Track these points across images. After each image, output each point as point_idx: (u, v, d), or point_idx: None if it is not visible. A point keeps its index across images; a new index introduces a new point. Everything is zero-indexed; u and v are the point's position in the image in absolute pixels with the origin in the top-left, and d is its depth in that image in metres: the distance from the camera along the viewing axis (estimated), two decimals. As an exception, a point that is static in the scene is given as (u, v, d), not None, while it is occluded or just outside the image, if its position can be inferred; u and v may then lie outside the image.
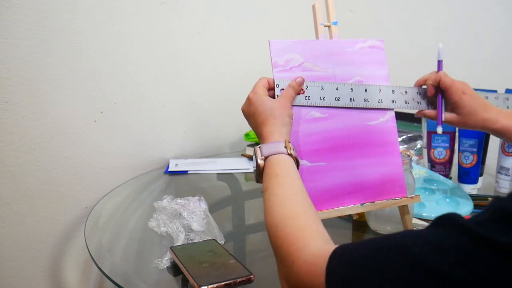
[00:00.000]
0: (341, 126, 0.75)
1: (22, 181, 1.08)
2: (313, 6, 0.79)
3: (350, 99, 0.76)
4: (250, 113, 0.71)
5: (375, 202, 0.75)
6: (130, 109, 1.25)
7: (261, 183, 0.65)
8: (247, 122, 0.75)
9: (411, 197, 0.76)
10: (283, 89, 0.73)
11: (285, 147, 0.64)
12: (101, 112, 1.19)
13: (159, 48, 1.28)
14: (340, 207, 0.73)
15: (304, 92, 0.74)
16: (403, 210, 0.78)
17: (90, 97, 1.16)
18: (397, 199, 0.76)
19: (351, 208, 0.74)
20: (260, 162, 0.64)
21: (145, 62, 1.26)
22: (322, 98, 0.75)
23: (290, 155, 0.64)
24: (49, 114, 1.10)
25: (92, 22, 1.13)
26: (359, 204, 0.74)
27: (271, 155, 0.64)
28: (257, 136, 0.71)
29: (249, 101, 0.72)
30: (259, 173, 0.65)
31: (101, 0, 1.14)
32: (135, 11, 1.21)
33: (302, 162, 0.72)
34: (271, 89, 0.74)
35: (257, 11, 1.46)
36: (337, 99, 0.75)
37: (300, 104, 0.74)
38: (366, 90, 0.76)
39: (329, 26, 0.80)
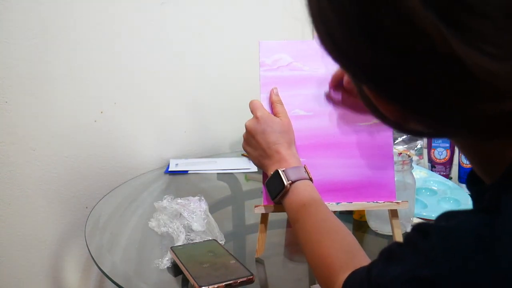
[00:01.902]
0: (326, 125, 0.76)
1: (22, 181, 1.08)
2: None
3: None
4: (258, 131, 0.71)
5: (353, 202, 0.75)
6: (130, 109, 1.25)
7: (278, 202, 0.68)
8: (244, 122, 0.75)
9: (397, 203, 0.75)
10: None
11: (305, 171, 0.67)
12: (101, 112, 1.19)
13: (159, 48, 1.28)
14: None
15: None
16: (392, 213, 0.77)
17: (90, 97, 1.16)
18: (380, 202, 0.74)
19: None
20: (287, 185, 0.65)
21: (145, 62, 1.26)
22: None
23: (310, 179, 0.67)
24: (49, 114, 1.10)
25: (92, 22, 1.13)
26: (334, 203, 0.74)
27: (296, 180, 0.65)
28: (265, 155, 0.71)
29: (257, 119, 0.72)
30: (282, 195, 0.66)
31: (101, 0, 1.14)
32: (135, 11, 1.21)
33: None
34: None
35: (257, 12, 1.46)
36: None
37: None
38: None
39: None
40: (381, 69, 0.32)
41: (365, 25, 0.30)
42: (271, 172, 0.68)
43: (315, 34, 0.37)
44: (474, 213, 0.35)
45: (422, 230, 0.36)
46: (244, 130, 0.75)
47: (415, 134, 0.39)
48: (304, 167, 0.68)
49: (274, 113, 0.74)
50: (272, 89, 0.76)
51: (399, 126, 0.38)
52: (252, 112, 0.74)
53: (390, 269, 0.37)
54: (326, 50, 0.36)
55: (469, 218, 0.35)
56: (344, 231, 0.59)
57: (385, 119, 0.38)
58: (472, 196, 0.45)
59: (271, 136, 0.70)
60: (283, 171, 0.66)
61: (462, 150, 0.41)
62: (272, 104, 0.75)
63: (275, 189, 0.67)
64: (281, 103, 0.75)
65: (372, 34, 0.30)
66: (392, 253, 0.39)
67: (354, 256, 0.53)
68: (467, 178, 0.44)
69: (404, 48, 0.29)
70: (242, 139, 0.77)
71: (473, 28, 0.27)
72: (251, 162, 1.34)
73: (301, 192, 0.65)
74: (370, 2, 0.29)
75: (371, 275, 0.39)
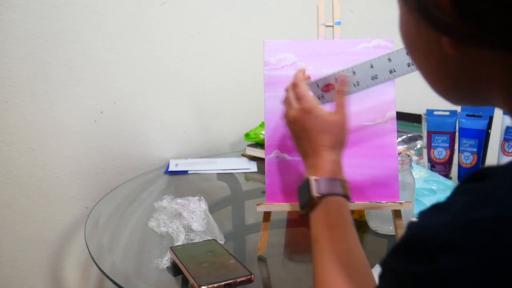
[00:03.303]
0: None
1: (22, 181, 1.08)
2: (317, 7, 0.79)
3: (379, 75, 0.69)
4: (303, 127, 0.63)
5: (356, 202, 0.74)
6: (130, 109, 1.25)
7: (305, 209, 0.60)
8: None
9: (400, 203, 0.74)
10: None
11: (343, 186, 0.59)
12: (101, 112, 1.19)
13: (159, 48, 1.28)
14: None
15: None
16: (395, 213, 0.77)
17: (90, 97, 1.16)
18: (383, 202, 0.74)
19: None
20: (315, 198, 0.57)
21: (145, 62, 1.26)
22: (374, 77, 0.68)
23: (345, 196, 0.59)
24: (49, 114, 1.10)
25: (92, 22, 1.13)
26: None
27: (328, 194, 0.57)
28: (306, 154, 0.63)
29: (303, 111, 0.63)
30: (310, 206, 0.58)
31: (101, 0, 1.14)
32: (135, 11, 1.21)
33: (283, 155, 0.74)
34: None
35: (257, 11, 1.46)
36: (374, 77, 0.68)
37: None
38: (372, 66, 0.69)
39: (332, 26, 0.80)
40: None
41: None
42: (305, 176, 0.61)
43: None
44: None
45: (476, 177, 0.33)
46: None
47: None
48: (343, 180, 0.60)
49: (336, 104, 0.65)
50: (344, 76, 0.67)
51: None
52: (298, 98, 0.65)
53: (437, 218, 0.31)
54: None
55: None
56: (366, 269, 0.53)
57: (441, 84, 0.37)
58: None
59: (317, 136, 0.62)
60: (315, 180, 0.58)
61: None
62: (337, 93, 0.66)
63: (303, 198, 0.60)
64: (343, 91, 0.65)
65: None
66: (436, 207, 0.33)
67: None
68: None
69: None
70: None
71: None
72: (251, 162, 1.35)
73: (330, 210, 0.57)
74: None
75: (414, 230, 0.33)
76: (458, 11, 0.32)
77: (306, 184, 0.59)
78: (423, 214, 0.34)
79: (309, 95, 0.65)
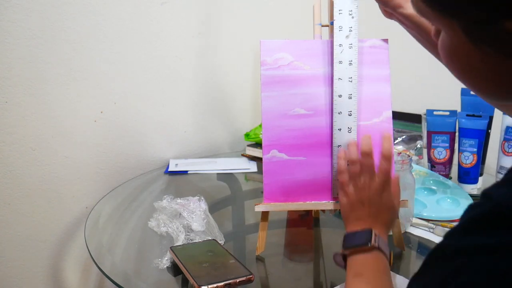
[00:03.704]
0: (326, 124, 0.76)
1: (22, 181, 1.08)
2: (313, 7, 0.79)
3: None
4: (376, 199, 0.65)
5: None
6: (130, 109, 1.25)
7: (346, 253, 0.62)
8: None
9: None
10: None
11: (391, 255, 0.62)
12: (101, 112, 1.19)
13: (159, 48, 1.28)
14: (314, 201, 0.76)
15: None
16: None
17: (90, 97, 1.16)
18: None
19: (324, 204, 0.76)
20: (373, 245, 0.60)
21: (145, 62, 1.26)
22: None
23: (378, 248, 0.60)
24: (49, 114, 1.10)
25: (92, 22, 1.13)
26: (334, 201, 0.76)
27: (380, 249, 0.60)
28: (364, 211, 0.66)
29: (383, 185, 0.66)
30: (359, 250, 0.61)
31: (101, 0, 1.14)
32: (135, 11, 1.21)
33: (281, 155, 0.75)
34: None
35: (257, 11, 1.46)
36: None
37: None
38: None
39: (327, 26, 0.80)
40: None
41: None
42: (361, 225, 0.63)
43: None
44: None
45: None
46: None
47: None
48: (391, 253, 0.63)
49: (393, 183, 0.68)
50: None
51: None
52: (382, 172, 0.66)
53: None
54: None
55: None
56: None
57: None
58: None
59: (383, 212, 0.65)
60: (376, 235, 0.61)
61: None
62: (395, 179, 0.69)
63: (358, 240, 0.61)
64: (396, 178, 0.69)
65: None
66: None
67: None
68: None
69: None
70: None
71: None
72: (251, 162, 1.35)
73: (380, 258, 0.60)
74: None
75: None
76: None
77: (366, 232, 0.61)
78: (495, 189, 0.34)
79: (390, 170, 0.66)
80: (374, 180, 0.66)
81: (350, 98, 0.75)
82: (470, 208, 0.35)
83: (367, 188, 0.66)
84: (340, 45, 0.74)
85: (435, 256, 0.37)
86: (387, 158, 0.66)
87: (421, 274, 0.39)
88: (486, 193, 0.34)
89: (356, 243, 0.61)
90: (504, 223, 0.31)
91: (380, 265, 0.59)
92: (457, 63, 0.42)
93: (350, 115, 0.75)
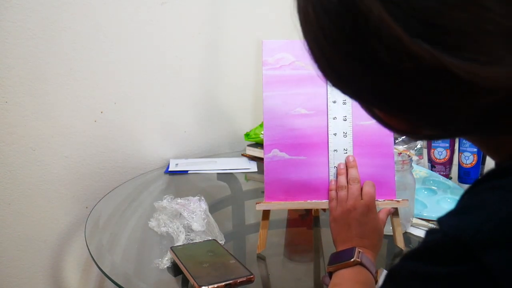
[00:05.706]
0: (327, 124, 0.76)
1: (22, 181, 1.08)
2: None
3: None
4: (362, 220, 0.69)
5: None
6: (130, 109, 1.25)
7: (333, 268, 0.65)
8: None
9: (397, 201, 0.75)
10: None
11: (376, 274, 0.64)
12: (101, 112, 1.19)
13: (159, 48, 1.28)
14: (315, 201, 0.76)
15: None
16: (393, 212, 0.77)
17: (90, 97, 1.16)
18: (380, 200, 0.75)
19: (324, 203, 0.76)
20: (355, 260, 0.63)
21: (145, 62, 1.26)
22: None
23: (361, 263, 0.63)
24: (49, 114, 1.10)
25: (92, 22, 1.13)
26: None
27: (365, 266, 0.62)
28: (352, 232, 0.69)
29: (366, 207, 0.70)
30: (343, 265, 0.64)
31: (101, 0, 1.14)
32: (135, 11, 1.21)
33: (282, 154, 0.75)
34: None
35: (258, 12, 1.46)
36: None
37: None
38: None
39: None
40: (383, 91, 0.35)
41: (360, 57, 0.34)
42: (348, 246, 0.66)
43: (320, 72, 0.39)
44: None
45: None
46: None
47: (428, 138, 0.41)
48: (377, 271, 0.66)
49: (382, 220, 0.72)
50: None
51: (412, 134, 0.40)
52: (364, 193, 0.71)
53: (470, 218, 0.33)
54: (333, 84, 0.39)
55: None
56: None
57: (399, 131, 0.40)
58: None
59: (368, 233, 0.68)
60: (359, 252, 0.64)
61: (475, 144, 0.43)
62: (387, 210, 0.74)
63: (341, 257, 0.65)
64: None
65: (367, 63, 0.34)
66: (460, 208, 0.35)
67: None
68: None
69: (397, 70, 0.33)
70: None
71: (453, 43, 0.30)
72: (251, 162, 1.35)
73: (361, 272, 0.62)
74: (359, 37, 0.33)
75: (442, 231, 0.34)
76: None
77: (350, 250, 0.65)
78: (446, 218, 0.35)
79: (374, 194, 0.71)
80: (359, 202, 0.70)
81: (344, 103, 0.76)
82: (427, 233, 0.36)
83: (352, 210, 0.70)
84: None
85: (393, 276, 0.38)
86: (371, 184, 0.72)
87: None
88: (439, 221, 0.35)
89: (339, 260, 0.64)
90: (451, 254, 0.32)
91: (360, 278, 0.61)
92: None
93: (345, 120, 0.76)
